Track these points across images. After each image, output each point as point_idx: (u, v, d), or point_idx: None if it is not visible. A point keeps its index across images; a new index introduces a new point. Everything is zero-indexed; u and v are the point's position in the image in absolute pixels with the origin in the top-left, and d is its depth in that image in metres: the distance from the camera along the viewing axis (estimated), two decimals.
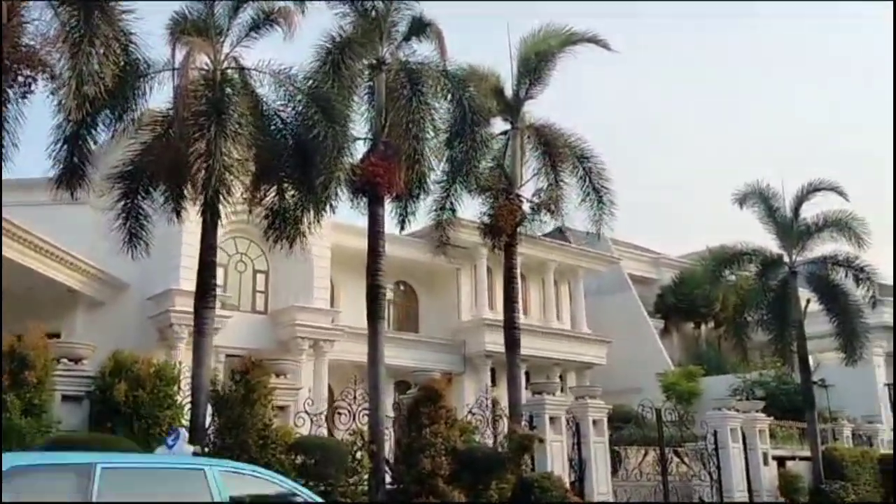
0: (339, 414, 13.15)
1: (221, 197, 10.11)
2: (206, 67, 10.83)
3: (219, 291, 18.79)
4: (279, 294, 21.08)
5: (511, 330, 15.18)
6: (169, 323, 18.18)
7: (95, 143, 10.95)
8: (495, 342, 19.10)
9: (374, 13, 13.15)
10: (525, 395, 15.33)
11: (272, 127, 11.33)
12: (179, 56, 10.62)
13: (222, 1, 11.30)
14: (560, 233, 27.58)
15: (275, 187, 11.47)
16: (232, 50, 11.30)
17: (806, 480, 18.14)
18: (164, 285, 18.44)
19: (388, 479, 11.84)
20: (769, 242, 19.59)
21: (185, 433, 6.49)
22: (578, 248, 28.15)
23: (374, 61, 13.20)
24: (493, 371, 24.20)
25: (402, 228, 14.10)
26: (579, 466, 14.08)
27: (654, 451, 16.28)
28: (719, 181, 69.98)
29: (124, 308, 19.25)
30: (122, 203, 11.48)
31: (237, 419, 10.45)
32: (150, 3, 10.79)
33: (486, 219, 15.51)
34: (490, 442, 13.33)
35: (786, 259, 19.27)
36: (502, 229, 15.17)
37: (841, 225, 18.76)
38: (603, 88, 73.46)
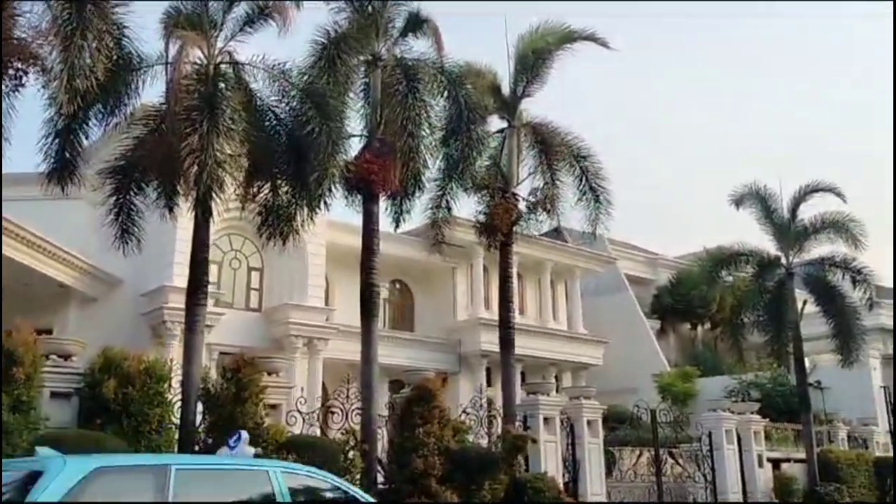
0: (332, 413, 13.07)
1: (213, 193, 10.01)
2: (199, 62, 10.73)
3: (213, 288, 18.85)
4: (273, 291, 20.98)
5: (506, 329, 15.11)
6: (162, 320, 18.08)
7: (87, 137, 10.84)
8: (491, 342, 19.03)
9: (370, 8, 13.05)
10: (520, 395, 15.26)
11: (266, 123, 11.23)
12: (173, 50, 10.52)
13: None
14: (557, 233, 27.55)
15: (268, 184, 11.37)
16: (226, 45, 11.19)
17: (801, 483, 18.11)
18: (158, 282, 18.33)
19: (380, 478, 11.76)
20: (766, 244, 19.58)
21: (246, 436, 6.62)
22: (575, 247, 28.10)
23: (370, 57, 13.11)
24: (488, 371, 24.13)
25: (398, 226, 14.03)
26: (573, 467, 14.01)
27: (648, 452, 16.24)
28: (718, 182, 69.99)
29: (117, 304, 19.15)
30: (114, 198, 11.37)
31: (228, 417, 10.34)
32: None
33: (481, 217, 15.43)
34: (484, 442, 13.26)
35: (783, 260, 19.22)
36: (498, 228, 15.10)
37: (838, 226, 18.72)
38: (601, 88, 73.44)
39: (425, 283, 25.89)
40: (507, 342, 15.05)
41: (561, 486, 13.04)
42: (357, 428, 11.89)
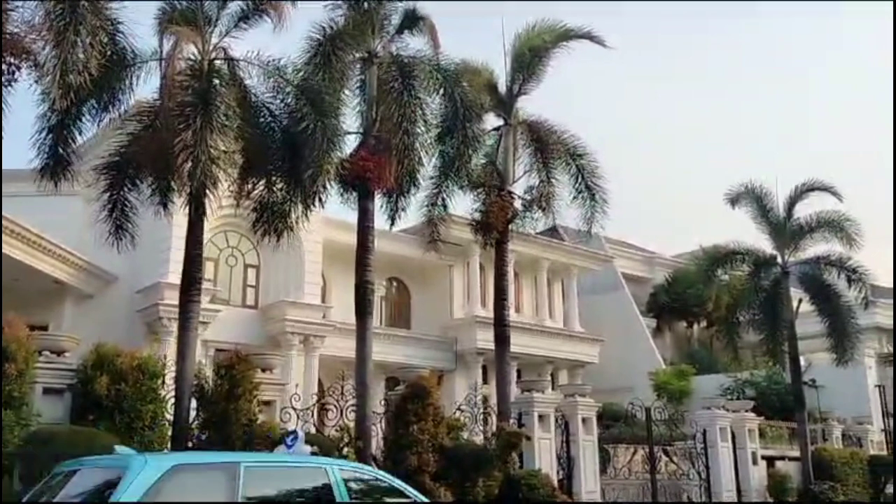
0: (327, 410, 13.07)
1: (207, 189, 9.99)
2: (193, 58, 10.70)
3: (209, 285, 18.84)
4: (270, 289, 20.98)
5: (501, 327, 15.11)
6: (157, 316, 18.06)
7: (81, 133, 10.81)
8: (487, 339, 19.02)
9: (365, 5, 13.01)
10: (515, 392, 15.27)
11: (261, 119, 11.20)
12: (167, 46, 10.50)
13: None
14: (554, 231, 27.57)
15: (263, 180, 11.35)
16: (221, 41, 11.15)
17: (795, 480, 18.14)
18: (154, 278, 18.31)
19: None
20: (762, 243, 19.59)
21: (302, 435, 6.93)
22: (572, 246, 28.11)
23: (366, 54, 13.08)
24: (484, 368, 24.14)
25: (393, 224, 14.00)
26: (568, 464, 14.02)
27: (643, 449, 16.24)
28: (715, 180, 70.04)
29: (114, 301, 19.14)
30: (108, 195, 11.35)
31: (221, 414, 10.36)
32: None
33: (477, 215, 15.42)
34: (479, 439, 13.26)
35: (778, 259, 19.24)
36: (493, 226, 15.08)
37: (834, 225, 18.72)
38: (597, 87, 73.44)
39: (422, 281, 25.90)
40: (502, 340, 15.05)
41: (555, 483, 13.05)
42: (352, 425, 11.89)
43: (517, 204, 15.58)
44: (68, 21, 9.32)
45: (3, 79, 9.34)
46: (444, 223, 15.43)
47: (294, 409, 12.01)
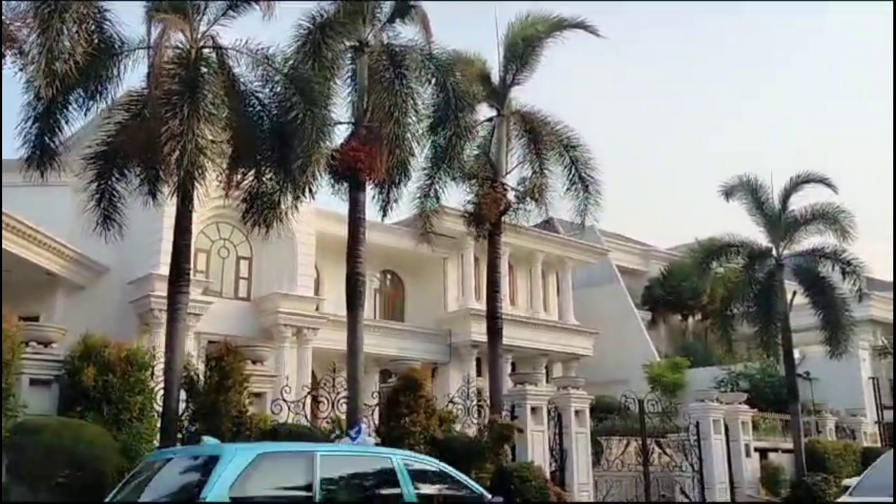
0: (319, 402, 13.01)
1: (194, 179, 9.87)
2: (181, 46, 10.55)
3: (201, 277, 18.76)
4: (262, 280, 20.90)
5: (494, 319, 15.05)
6: (149, 308, 17.97)
7: (68, 122, 10.66)
8: (481, 332, 18.99)
9: None
10: (509, 385, 15.23)
11: (249, 108, 11.06)
12: (155, 34, 10.34)
13: None
14: (548, 224, 27.48)
15: (252, 170, 11.21)
16: (209, 28, 10.99)
17: (788, 472, 18.16)
18: (145, 270, 18.21)
19: None
20: (757, 235, 19.53)
21: (365, 427, 7.60)
22: (566, 238, 28.04)
23: (357, 43, 12.92)
24: (478, 361, 24.11)
25: (385, 215, 13.87)
26: (560, 456, 13.99)
27: (636, 441, 16.23)
28: (712, 173, 70.04)
29: (105, 292, 19.05)
30: (96, 184, 11.22)
31: (211, 405, 10.31)
32: None
33: (469, 207, 15.33)
34: (472, 431, 13.23)
35: (773, 251, 19.19)
36: (486, 218, 15.00)
37: (828, 217, 18.67)
38: (592, 79, 73.26)
39: (416, 274, 25.83)
40: (495, 332, 15.00)
41: (547, 475, 13.02)
42: (343, 417, 11.83)
43: (510, 195, 15.51)
44: (53, 8, 9.21)
45: None
46: (437, 215, 15.34)
47: (285, 400, 11.95)
